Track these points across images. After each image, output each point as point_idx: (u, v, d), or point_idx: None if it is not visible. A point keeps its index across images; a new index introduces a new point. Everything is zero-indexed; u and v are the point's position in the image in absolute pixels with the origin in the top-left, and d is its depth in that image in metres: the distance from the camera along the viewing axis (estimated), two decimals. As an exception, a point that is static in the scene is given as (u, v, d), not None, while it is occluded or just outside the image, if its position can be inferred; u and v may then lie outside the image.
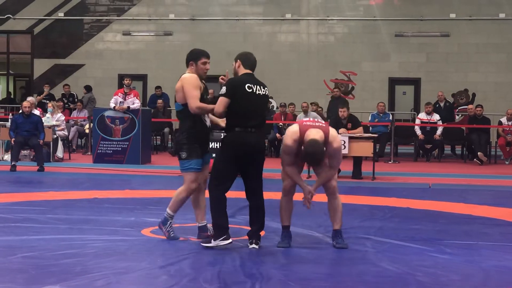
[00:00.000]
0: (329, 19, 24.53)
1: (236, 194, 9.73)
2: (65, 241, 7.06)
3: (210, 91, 7.03)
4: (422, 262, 6.43)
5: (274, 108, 21.22)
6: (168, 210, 7.32)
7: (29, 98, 16.99)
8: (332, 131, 7.09)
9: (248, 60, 7.16)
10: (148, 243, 7.16)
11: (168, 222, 7.31)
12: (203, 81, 7.36)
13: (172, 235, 7.29)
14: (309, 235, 7.68)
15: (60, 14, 25.69)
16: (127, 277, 5.73)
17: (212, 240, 6.91)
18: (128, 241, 7.16)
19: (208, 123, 7.34)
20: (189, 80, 7.15)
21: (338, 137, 7.15)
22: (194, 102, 7.04)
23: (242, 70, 7.12)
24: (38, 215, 8.64)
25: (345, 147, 13.38)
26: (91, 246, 6.86)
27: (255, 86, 6.98)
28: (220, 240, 6.85)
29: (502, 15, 23.68)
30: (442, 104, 19.89)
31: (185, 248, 6.86)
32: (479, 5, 23.85)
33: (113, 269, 5.94)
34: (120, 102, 16.15)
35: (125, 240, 7.21)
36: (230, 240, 6.89)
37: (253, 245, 6.98)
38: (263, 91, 7.04)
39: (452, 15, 23.89)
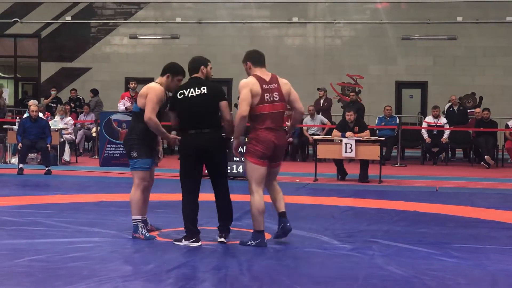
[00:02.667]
0: (335, 23, 24.51)
1: (241, 197, 9.73)
2: (72, 244, 7.07)
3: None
4: (430, 265, 6.41)
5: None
6: (133, 217, 7.52)
7: (31, 101, 17.03)
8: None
9: (189, 66, 7.52)
10: (154, 246, 7.16)
11: (139, 227, 7.48)
12: (168, 92, 7.71)
13: (147, 235, 7.47)
14: (315, 238, 7.67)
15: (67, 18, 25.74)
16: (133, 280, 5.72)
17: (183, 240, 7.19)
18: (135, 244, 7.17)
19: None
20: (156, 92, 7.44)
21: (244, 81, 7.32)
22: (150, 112, 7.35)
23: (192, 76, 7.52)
24: (45, 218, 8.66)
25: (352, 150, 13.39)
26: (98, 249, 6.87)
27: (188, 89, 7.30)
28: (190, 242, 7.15)
29: (509, 18, 23.62)
30: (456, 108, 19.86)
31: (191, 252, 6.86)
32: (486, 8, 23.80)
33: (120, 272, 5.94)
34: (127, 107, 16.30)
35: (132, 243, 7.22)
36: (199, 243, 7.16)
37: (222, 239, 7.30)
38: (198, 91, 7.27)
39: (459, 19, 23.84)
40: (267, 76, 7.43)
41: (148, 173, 7.57)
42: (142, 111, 7.43)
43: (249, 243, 7.28)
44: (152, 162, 7.62)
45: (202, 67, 7.46)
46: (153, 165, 7.71)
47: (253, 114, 7.20)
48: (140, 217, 7.50)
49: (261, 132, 7.23)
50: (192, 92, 7.27)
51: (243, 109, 7.13)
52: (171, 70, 7.60)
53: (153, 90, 7.44)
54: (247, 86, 7.22)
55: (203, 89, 7.29)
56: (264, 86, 7.31)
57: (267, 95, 7.29)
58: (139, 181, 7.50)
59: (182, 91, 7.30)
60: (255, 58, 7.57)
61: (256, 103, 7.20)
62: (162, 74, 7.61)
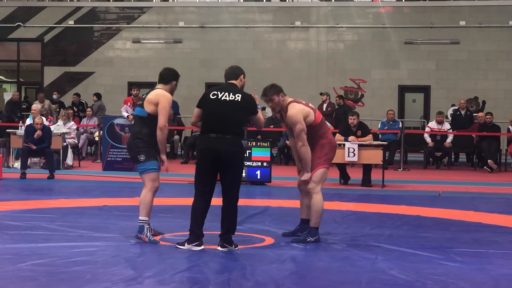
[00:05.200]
0: (338, 27, 24.55)
1: (245, 202, 9.75)
2: (75, 249, 7.08)
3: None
4: (432, 270, 6.40)
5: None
6: (141, 217, 7.55)
7: (34, 106, 16.98)
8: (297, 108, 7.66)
9: (225, 73, 7.55)
10: (157, 250, 7.16)
11: (145, 229, 7.51)
12: None
13: (152, 239, 7.49)
14: (318, 242, 7.67)
15: (70, 22, 25.80)
16: (136, 284, 5.73)
17: (186, 243, 7.21)
18: (137, 249, 7.17)
19: None
20: (168, 100, 7.57)
21: (298, 112, 7.65)
22: (165, 121, 7.49)
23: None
24: (48, 222, 8.66)
25: (354, 154, 13.38)
26: (100, 254, 6.87)
27: (223, 92, 7.30)
28: (193, 245, 7.17)
29: (511, 23, 23.68)
30: (463, 112, 19.82)
31: (194, 256, 6.86)
32: (489, 12, 23.82)
33: (122, 277, 5.94)
34: (128, 116, 16.33)
35: (135, 248, 7.22)
36: (202, 247, 7.17)
37: (218, 248, 7.21)
38: (232, 97, 7.27)
39: (462, 23, 23.86)
40: (289, 97, 7.88)
41: (158, 174, 7.58)
42: (149, 116, 7.49)
43: (309, 239, 7.60)
44: (158, 164, 7.65)
45: (242, 76, 7.51)
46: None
47: (314, 126, 7.69)
48: (147, 218, 7.51)
49: (331, 136, 7.93)
50: (226, 96, 7.26)
51: (306, 140, 7.60)
52: (176, 77, 7.71)
53: (166, 98, 7.53)
54: (301, 119, 7.61)
55: (238, 96, 7.28)
56: (303, 102, 7.85)
57: (310, 105, 7.87)
58: (151, 183, 7.51)
59: (216, 93, 7.29)
60: (280, 88, 7.79)
61: (312, 119, 7.68)
62: (166, 82, 7.66)
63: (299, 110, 7.63)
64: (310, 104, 7.92)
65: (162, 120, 7.43)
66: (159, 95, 7.54)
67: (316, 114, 7.78)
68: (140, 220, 7.54)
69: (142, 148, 7.50)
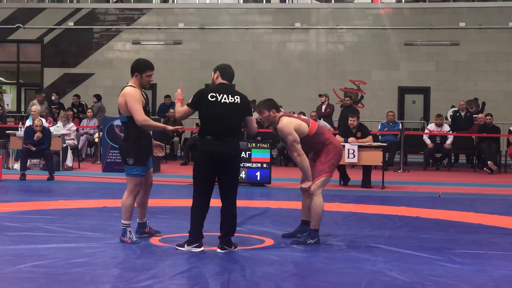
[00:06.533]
0: (338, 28, 24.55)
1: (244, 203, 9.74)
2: (74, 250, 7.07)
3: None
4: (432, 271, 6.40)
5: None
6: (123, 221, 7.56)
7: (34, 107, 16.96)
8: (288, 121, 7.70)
9: (226, 72, 7.42)
10: (157, 252, 7.16)
11: (127, 232, 7.53)
12: (144, 91, 7.67)
13: (134, 239, 7.51)
14: (318, 244, 7.66)
15: (70, 24, 25.80)
16: (136, 286, 5.72)
17: (185, 245, 7.21)
18: (137, 250, 7.16)
19: (151, 132, 7.77)
20: (132, 95, 7.41)
21: (287, 124, 7.68)
22: (140, 116, 7.36)
23: (219, 81, 7.39)
24: (47, 224, 8.66)
25: (354, 156, 13.38)
26: (100, 255, 6.86)
27: (221, 95, 7.21)
28: (192, 247, 7.16)
29: (511, 24, 23.64)
30: (463, 114, 19.80)
31: (194, 257, 6.86)
32: (489, 14, 23.82)
33: (122, 278, 5.94)
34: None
35: (134, 249, 7.21)
36: (201, 248, 7.17)
37: (218, 250, 7.20)
38: (231, 99, 7.22)
39: (462, 24, 23.86)
40: (281, 112, 7.91)
41: (143, 179, 7.59)
42: (129, 119, 7.43)
43: (309, 241, 7.63)
44: (147, 169, 7.63)
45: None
46: (150, 168, 7.72)
47: (311, 136, 7.72)
48: (129, 222, 7.53)
49: (336, 141, 7.95)
50: (225, 99, 7.20)
51: (301, 150, 7.63)
52: (137, 69, 7.56)
53: (128, 94, 7.42)
54: (291, 130, 7.64)
55: (237, 98, 7.25)
56: (295, 115, 7.96)
57: (303, 117, 7.96)
58: (133, 187, 7.52)
59: (214, 95, 7.20)
60: (274, 104, 7.81)
61: (306, 130, 7.71)
62: (132, 75, 7.59)
63: (288, 122, 7.67)
64: (302, 117, 8.02)
65: (138, 117, 7.33)
66: (123, 95, 7.46)
67: (310, 125, 7.79)
68: (122, 223, 7.56)
69: (131, 151, 7.46)
